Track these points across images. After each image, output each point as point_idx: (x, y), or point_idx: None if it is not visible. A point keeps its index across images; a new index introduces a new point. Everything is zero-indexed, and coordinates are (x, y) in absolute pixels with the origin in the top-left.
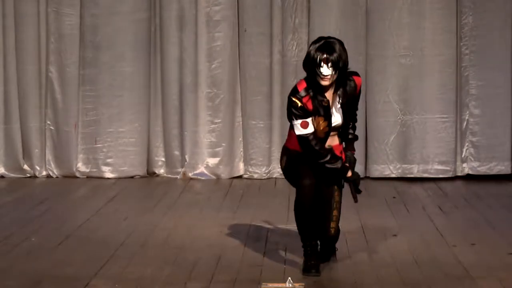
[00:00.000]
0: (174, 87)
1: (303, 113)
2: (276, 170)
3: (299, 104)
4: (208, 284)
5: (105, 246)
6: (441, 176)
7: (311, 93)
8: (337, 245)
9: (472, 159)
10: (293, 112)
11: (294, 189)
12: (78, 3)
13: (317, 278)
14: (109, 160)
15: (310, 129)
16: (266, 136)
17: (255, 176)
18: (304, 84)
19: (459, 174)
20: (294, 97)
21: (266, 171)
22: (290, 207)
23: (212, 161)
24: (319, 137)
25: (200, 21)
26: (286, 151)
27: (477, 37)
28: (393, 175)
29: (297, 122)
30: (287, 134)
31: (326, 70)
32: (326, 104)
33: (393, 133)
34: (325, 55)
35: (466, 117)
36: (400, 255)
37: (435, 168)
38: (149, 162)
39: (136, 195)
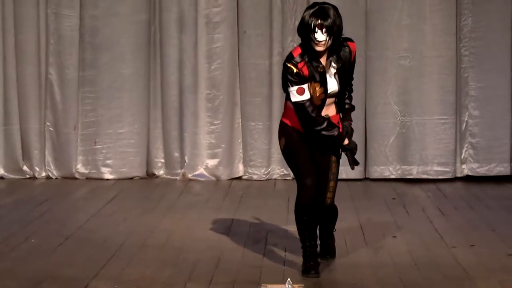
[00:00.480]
0: (174, 88)
1: (299, 79)
2: (276, 172)
3: (295, 70)
4: (207, 285)
5: (104, 247)
6: (440, 177)
7: (306, 59)
8: (336, 245)
9: (472, 160)
10: (289, 78)
11: (293, 191)
12: (77, 5)
13: (317, 280)
14: (108, 162)
15: (307, 95)
16: (266, 138)
17: (255, 177)
18: (299, 50)
19: (458, 175)
20: (289, 63)
21: (266, 172)
22: (289, 208)
23: (212, 162)
24: (316, 104)
25: (200, 22)
26: (283, 129)
27: (476, 39)
28: (393, 176)
29: (293, 89)
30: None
31: (320, 35)
32: (321, 70)
33: (392, 135)
34: (319, 21)
35: (466, 119)
36: (399, 257)
37: (435, 170)
38: (148, 163)
39: (135, 197)
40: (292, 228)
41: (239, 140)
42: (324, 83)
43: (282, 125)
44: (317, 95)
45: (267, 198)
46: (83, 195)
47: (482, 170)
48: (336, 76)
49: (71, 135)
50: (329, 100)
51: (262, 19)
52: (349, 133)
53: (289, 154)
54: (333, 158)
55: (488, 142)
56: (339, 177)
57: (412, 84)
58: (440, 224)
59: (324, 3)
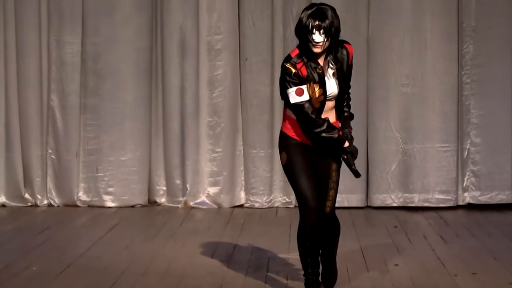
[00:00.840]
0: (175, 115)
1: (298, 80)
2: (278, 199)
3: (293, 70)
4: None
5: (106, 275)
6: (442, 205)
7: (305, 60)
8: (338, 272)
9: (473, 188)
10: (287, 79)
11: (295, 219)
12: (79, 31)
13: None
14: (110, 189)
15: (306, 96)
16: (267, 165)
17: (256, 205)
18: (297, 51)
19: (460, 203)
20: (287, 63)
21: (267, 200)
22: (291, 236)
23: (213, 190)
24: (315, 106)
25: (202, 49)
26: (283, 142)
27: (478, 66)
28: (395, 204)
29: (292, 90)
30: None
31: (318, 37)
32: (320, 71)
33: (394, 162)
34: (317, 22)
35: (467, 146)
36: (401, 284)
37: (436, 197)
38: (150, 191)
39: (137, 224)
40: (294, 256)
41: (241, 168)
42: (323, 85)
43: (282, 137)
44: (316, 96)
45: (269, 226)
46: (85, 223)
47: (484, 198)
48: (335, 78)
49: (73, 162)
50: (328, 104)
51: (264, 46)
52: (349, 139)
53: (291, 173)
54: (334, 166)
55: (490, 170)
56: (342, 205)
57: (414, 111)
58: (442, 252)
59: (321, 4)
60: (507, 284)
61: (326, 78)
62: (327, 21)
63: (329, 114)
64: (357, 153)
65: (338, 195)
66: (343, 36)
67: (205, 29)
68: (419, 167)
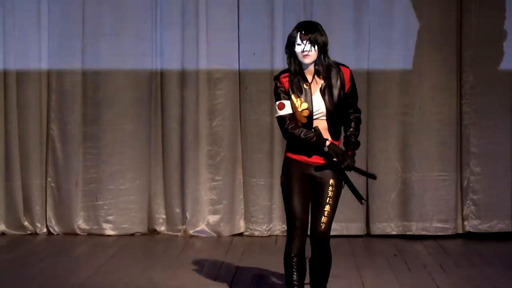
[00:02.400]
0: (175, 144)
1: (281, 94)
2: (277, 228)
3: (278, 84)
4: None
5: None
6: (440, 233)
7: (292, 76)
8: None
9: (473, 217)
10: (275, 94)
11: None
12: (79, 61)
13: None
14: (110, 218)
15: (287, 110)
16: (267, 194)
17: (256, 233)
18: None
19: (460, 232)
20: (275, 79)
21: (267, 228)
22: None
23: (213, 218)
24: (301, 121)
25: (201, 78)
26: (284, 165)
27: (477, 96)
28: (394, 233)
29: (276, 104)
30: None
31: (305, 46)
32: (307, 87)
33: (394, 191)
34: (303, 32)
35: (467, 175)
36: None
37: (434, 226)
38: (149, 219)
39: (137, 253)
40: None
41: (241, 197)
42: (308, 99)
43: (284, 160)
44: (299, 110)
45: (269, 255)
46: (84, 251)
47: (483, 226)
48: (323, 94)
49: (73, 191)
50: (320, 124)
51: (263, 75)
52: (340, 153)
53: (285, 193)
54: (331, 182)
55: (489, 199)
56: (341, 233)
57: (412, 140)
58: (442, 281)
59: (309, 20)
60: None
61: (313, 94)
62: (314, 32)
63: (326, 133)
64: (353, 165)
65: (337, 224)
66: (344, 62)
67: (205, 58)
68: (417, 196)
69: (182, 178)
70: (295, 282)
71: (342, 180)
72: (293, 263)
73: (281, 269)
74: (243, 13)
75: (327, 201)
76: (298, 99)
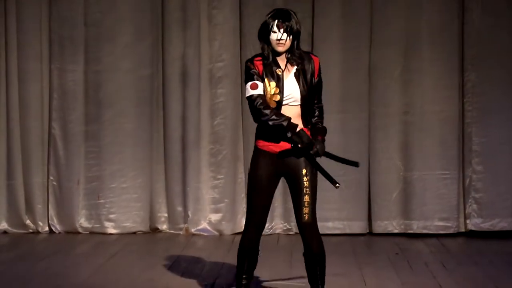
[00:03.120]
0: (177, 143)
1: (255, 75)
2: (279, 226)
3: (251, 66)
4: None
5: None
6: (441, 232)
7: (265, 61)
8: None
9: (475, 215)
10: (246, 76)
11: (296, 245)
12: (81, 60)
13: None
14: (111, 216)
15: (259, 91)
16: None
17: None
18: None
19: (462, 230)
20: (247, 61)
21: (269, 227)
22: (292, 263)
23: (215, 217)
24: (271, 106)
25: (203, 77)
26: (253, 155)
27: (480, 94)
28: (396, 231)
29: (248, 84)
30: (287, 191)
31: (280, 34)
32: (279, 72)
33: (396, 190)
34: (279, 21)
35: (469, 174)
36: None
37: (435, 225)
38: (151, 218)
39: (138, 251)
40: (296, 283)
41: (242, 195)
42: (280, 84)
43: (254, 151)
44: (271, 93)
45: (270, 253)
46: (86, 250)
47: (485, 225)
48: (297, 79)
49: (74, 190)
50: (292, 111)
51: None
52: (319, 144)
53: (249, 189)
54: (304, 171)
55: (491, 198)
56: (343, 232)
57: (414, 139)
58: (444, 280)
59: (283, 8)
60: None
61: (285, 79)
62: (289, 21)
63: (295, 121)
64: (323, 152)
65: (339, 222)
66: (346, 64)
67: (207, 57)
68: (418, 195)
69: (184, 177)
70: (245, 275)
71: (313, 167)
72: (245, 256)
73: (282, 268)
74: (244, 12)
75: (305, 191)
76: (271, 83)
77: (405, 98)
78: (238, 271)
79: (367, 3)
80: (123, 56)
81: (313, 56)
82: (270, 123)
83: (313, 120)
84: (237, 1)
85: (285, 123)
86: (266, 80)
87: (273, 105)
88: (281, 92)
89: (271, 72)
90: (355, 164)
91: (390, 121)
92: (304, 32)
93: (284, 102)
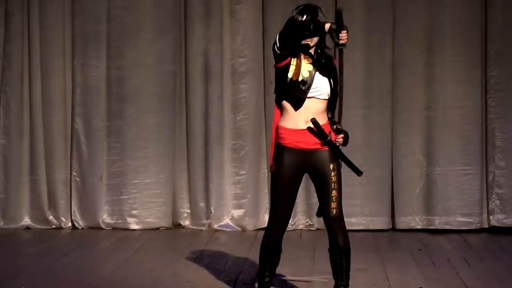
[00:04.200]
0: (199, 139)
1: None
2: (301, 222)
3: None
4: None
5: None
6: (463, 228)
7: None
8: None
9: (498, 211)
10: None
11: (319, 241)
12: (104, 56)
13: None
14: (134, 212)
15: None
16: None
17: None
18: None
19: (485, 226)
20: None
21: (292, 222)
22: (315, 259)
23: (237, 212)
24: (295, 78)
25: (225, 73)
26: (275, 152)
27: (503, 90)
28: (419, 227)
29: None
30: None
31: None
32: (310, 64)
33: (419, 185)
34: (307, 16)
35: (493, 169)
36: None
37: (458, 220)
38: (174, 213)
39: (161, 247)
40: (318, 279)
41: (265, 191)
42: (311, 74)
43: (275, 147)
44: (301, 70)
45: (293, 249)
46: (109, 245)
47: (509, 221)
48: (328, 76)
49: (97, 185)
50: (317, 104)
51: None
52: (343, 132)
53: (273, 187)
54: (331, 166)
55: None
56: (367, 228)
57: (436, 134)
58: (466, 275)
59: (309, 3)
60: None
61: (315, 74)
62: (317, 16)
63: (321, 115)
64: (348, 139)
65: (363, 218)
66: (369, 62)
67: (229, 52)
68: (441, 190)
69: (207, 173)
70: (267, 273)
71: (338, 158)
72: (268, 254)
73: (305, 264)
74: (267, 7)
75: (333, 186)
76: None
77: (428, 93)
78: (260, 269)
79: (389, 0)
80: (146, 52)
81: (333, 58)
82: (311, 28)
83: (334, 127)
84: None
85: (313, 25)
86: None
87: (298, 77)
88: (306, 84)
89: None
90: (358, 172)
91: (413, 116)
92: None
93: (310, 95)
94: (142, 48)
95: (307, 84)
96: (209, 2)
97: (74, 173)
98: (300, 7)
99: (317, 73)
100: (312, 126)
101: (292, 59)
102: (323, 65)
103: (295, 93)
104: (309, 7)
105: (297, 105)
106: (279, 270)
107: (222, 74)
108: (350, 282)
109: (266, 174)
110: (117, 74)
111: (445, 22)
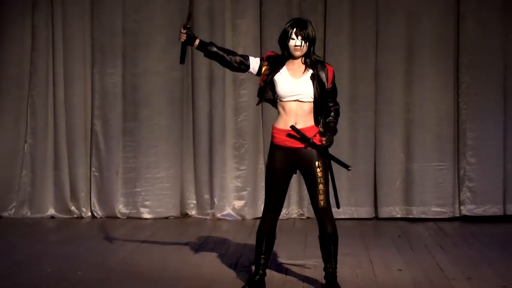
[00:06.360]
0: (204, 138)
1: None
2: (295, 211)
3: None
4: None
5: (142, 279)
6: (438, 217)
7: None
8: (348, 278)
9: (469, 202)
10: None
11: (310, 229)
12: (120, 65)
13: None
14: (146, 203)
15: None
16: None
17: None
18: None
19: (457, 215)
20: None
21: (286, 212)
22: (307, 245)
23: (238, 203)
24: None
25: (228, 80)
26: (270, 150)
27: (473, 95)
28: (398, 216)
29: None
30: (304, 183)
31: (297, 41)
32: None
33: (398, 179)
34: (297, 29)
35: (464, 165)
36: None
37: (433, 210)
38: (182, 204)
39: (170, 234)
40: (310, 262)
41: (263, 184)
42: (290, 81)
43: (270, 146)
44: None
45: (287, 236)
46: (124, 233)
47: (478, 211)
48: (312, 81)
49: (114, 179)
50: (302, 105)
51: None
52: (327, 134)
53: (267, 180)
54: (317, 163)
55: (483, 186)
56: (352, 217)
57: (414, 134)
58: (441, 259)
59: (301, 17)
60: (499, 287)
61: (300, 78)
62: (306, 29)
63: (306, 118)
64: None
65: (348, 208)
66: (354, 68)
67: None
68: (418, 184)
69: (211, 168)
70: (263, 256)
71: (325, 157)
72: (263, 239)
73: (298, 249)
74: (265, 22)
75: (319, 180)
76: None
77: (407, 98)
78: (256, 252)
79: (372, 14)
80: (157, 61)
81: (327, 65)
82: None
83: (328, 119)
84: (258, 12)
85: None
86: (267, 66)
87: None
88: (273, 90)
89: (276, 66)
90: (347, 166)
91: (394, 118)
92: (317, 39)
93: (292, 98)
94: (153, 58)
95: (274, 90)
96: (214, 18)
97: (93, 169)
98: (292, 21)
99: (302, 79)
100: (292, 132)
101: (264, 67)
102: (312, 73)
103: (266, 97)
104: (300, 21)
105: (276, 108)
106: (275, 254)
107: (224, 81)
108: (338, 265)
109: (263, 170)
110: (131, 81)
111: (422, 34)
